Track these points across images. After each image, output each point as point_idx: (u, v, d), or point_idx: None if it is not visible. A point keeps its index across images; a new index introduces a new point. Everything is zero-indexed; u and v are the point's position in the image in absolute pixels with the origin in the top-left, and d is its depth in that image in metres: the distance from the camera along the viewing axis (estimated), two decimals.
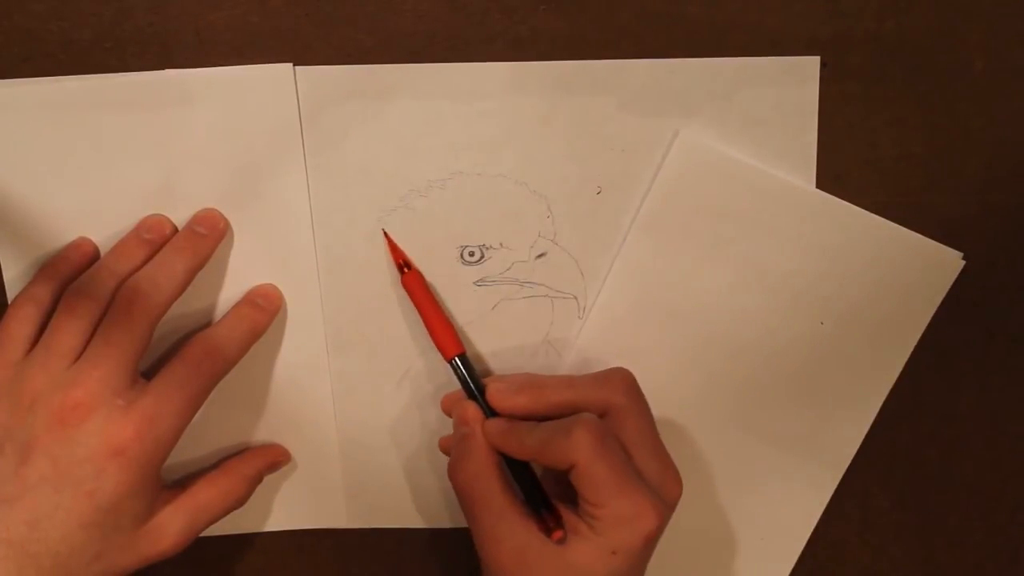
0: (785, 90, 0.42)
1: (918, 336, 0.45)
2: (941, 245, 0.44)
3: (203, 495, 0.42)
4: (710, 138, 0.42)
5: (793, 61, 0.42)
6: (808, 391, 0.45)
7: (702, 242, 0.44)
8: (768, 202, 0.43)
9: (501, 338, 0.45)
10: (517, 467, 0.41)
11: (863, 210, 0.43)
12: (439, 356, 0.44)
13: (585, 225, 0.44)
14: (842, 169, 0.43)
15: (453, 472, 0.41)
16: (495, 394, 0.41)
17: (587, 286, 0.44)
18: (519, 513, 0.39)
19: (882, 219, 0.43)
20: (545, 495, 0.40)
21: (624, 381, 0.41)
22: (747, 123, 0.43)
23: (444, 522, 0.48)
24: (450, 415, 0.43)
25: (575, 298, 0.44)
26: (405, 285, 0.43)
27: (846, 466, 0.46)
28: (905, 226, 0.43)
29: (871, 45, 0.42)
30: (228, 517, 0.43)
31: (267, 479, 0.45)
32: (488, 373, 0.45)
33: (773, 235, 0.43)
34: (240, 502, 0.43)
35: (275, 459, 0.46)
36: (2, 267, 0.43)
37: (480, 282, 0.44)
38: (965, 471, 0.47)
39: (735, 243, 0.43)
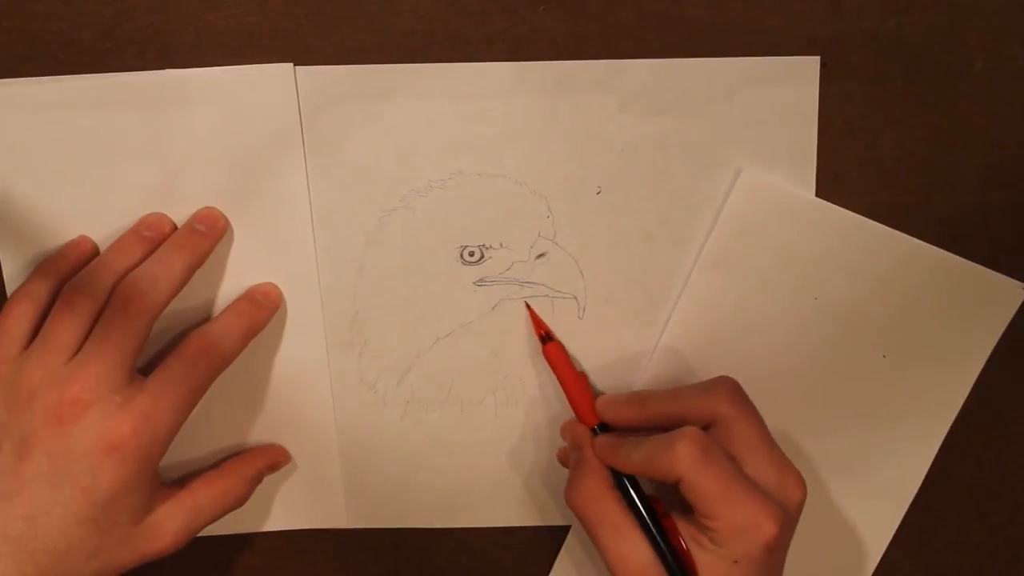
0: (785, 90, 0.42)
1: (980, 368, 0.45)
2: (1003, 276, 0.44)
3: (202, 494, 0.42)
4: (710, 138, 0.42)
5: (793, 61, 0.42)
6: (870, 425, 0.45)
7: (766, 278, 0.44)
8: (831, 237, 0.43)
9: (501, 338, 0.45)
10: (631, 489, 0.41)
11: (926, 243, 0.43)
12: (439, 357, 0.44)
13: (585, 225, 0.44)
14: (842, 169, 0.43)
15: (571, 494, 0.41)
16: (603, 404, 0.43)
17: (587, 286, 0.44)
18: (640, 530, 0.39)
19: (944, 252, 0.43)
20: (657, 515, 0.40)
21: (729, 389, 0.41)
22: (747, 123, 0.43)
23: (444, 522, 0.48)
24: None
25: (575, 298, 0.44)
26: (547, 356, 0.44)
27: (910, 500, 0.46)
28: (905, 226, 0.43)
29: (871, 45, 0.42)
30: (228, 517, 0.43)
31: (267, 479, 0.45)
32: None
33: (836, 270, 0.43)
34: (239, 502, 0.43)
35: (275, 460, 0.46)
36: (2, 267, 0.43)
37: (480, 282, 0.44)
38: (965, 471, 0.47)
39: (799, 279, 0.44)
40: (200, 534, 0.42)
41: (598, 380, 0.45)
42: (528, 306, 0.44)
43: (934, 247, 0.43)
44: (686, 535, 0.39)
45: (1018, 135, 0.43)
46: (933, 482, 0.47)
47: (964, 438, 0.46)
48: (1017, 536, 0.48)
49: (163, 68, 0.41)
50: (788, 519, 0.38)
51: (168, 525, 0.40)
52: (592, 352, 0.45)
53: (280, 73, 0.41)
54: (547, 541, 0.48)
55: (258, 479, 0.44)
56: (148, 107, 0.41)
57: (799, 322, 0.44)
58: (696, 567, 0.38)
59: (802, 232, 0.43)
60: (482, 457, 0.46)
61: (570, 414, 0.45)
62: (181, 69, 0.41)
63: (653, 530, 0.39)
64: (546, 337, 0.44)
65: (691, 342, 0.45)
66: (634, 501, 0.40)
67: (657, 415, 0.41)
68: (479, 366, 0.45)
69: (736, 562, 0.37)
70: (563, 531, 0.48)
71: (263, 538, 0.48)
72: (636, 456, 0.40)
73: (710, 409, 0.40)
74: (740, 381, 0.43)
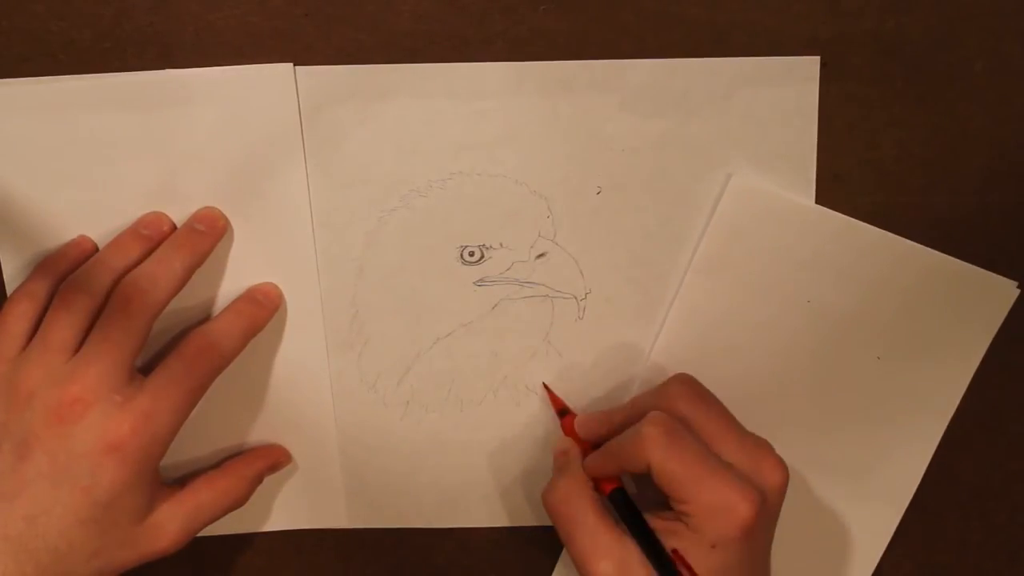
0: (785, 90, 0.42)
1: (975, 367, 0.45)
2: (995, 275, 0.44)
3: (203, 494, 0.42)
4: (711, 138, 0.42)
5: (793, 61, 0.42)
6: (866, 427, 0.45)
7: (759, 283, 0.44)
8: (823, 240, 0.43)
9: (501, 338, 0.45)
10: (622, 508, 0.40)
11: (919, 245, 0.43)
12: (439, 357, 0.45)
13: (585, 225, 0.44)
14: (842, 169, 0.43)
15: (547, 494, 0.41)
16: (580, 425, 0.43)
17: (587, 286, 0.44)
18: (615, 529, 0.39)
19: (935, 252, 0.43)
20: (649, 530, 0.39)
21: (680, 387, 0.41)
22: (747, 123, 0.43)
23: (444, 522, 0.48)
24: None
25: (575, 298, 0.44)
26: (565, 430, 0.44)
27: (908, 501, 0.46)
28: (905, 226, 0.43)
29: (871, 45, 0.42)
30: (228, 517, 0.43)
31: (267, 479, 0.45)
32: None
33: (830, 273, 0.43)
34: (240, 502, 0.43)
35: (276, 460, 0.46)
36: (2, 267, 0.43)
37: (480, 282, 0.44)
38: (965, 471, 0.47)
39: (792, 282, 0.44)
40: (200, 534, 0.42)
41: (597, 380, 0.45)
42: (545, 386, 0.45)
43: (925, 248, 0.43)
44: (665, 528, 0.38)
45: (1018, 135, 0.43)
46: (933, 482, 0.47)
47: (964, 438, 0.46)
48: (1017, 536, 0.48)
49: (163, 68, 0.41)
50: (766, 502, 0.38)
51: (169, 525, 0.40)
52: (592, 352, 0.45)
53: (280, 73, 0.41)
54: (547, 541, 0.48)
55: (258, 479, 0.44)
56: (148, 107, 0.41)
57: (793, 325, 0.44)
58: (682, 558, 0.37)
59: (794, 236, 0.43)
60: (482, 457, 0.46)
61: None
62: (181, 69, 0.41)
63: (627, 525, 0.39)
64: (563, 411, 0.45)
65: (685, 347, 0.44)
66: (624, 512, 0.40)
67: (620, 425, 0.41)
68: (479, 366, 0.45)
69: (713, 547, 0.37)
70: None
71: (263, 538, 0.48)
72: (610, 451, 0.40)
73: (668, 410, 0.40)
74: (735, 385, 0.43)
